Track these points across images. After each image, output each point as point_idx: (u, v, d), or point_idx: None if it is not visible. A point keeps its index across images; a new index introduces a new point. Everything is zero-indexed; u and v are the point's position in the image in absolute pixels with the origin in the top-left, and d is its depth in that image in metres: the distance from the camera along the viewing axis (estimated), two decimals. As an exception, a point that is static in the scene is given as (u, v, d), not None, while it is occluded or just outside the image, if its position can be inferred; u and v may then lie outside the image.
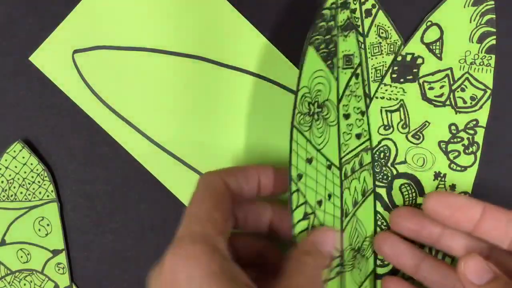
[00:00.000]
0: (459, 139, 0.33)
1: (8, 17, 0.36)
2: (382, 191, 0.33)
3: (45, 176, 0.36)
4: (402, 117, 0.33)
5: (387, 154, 0.33)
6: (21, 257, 0.36)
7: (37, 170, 0.36)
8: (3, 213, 0.36)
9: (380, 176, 0.34)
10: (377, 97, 0.33)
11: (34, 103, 0.37)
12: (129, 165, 0.36)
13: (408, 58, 0.33)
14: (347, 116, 0.32)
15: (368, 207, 0.33)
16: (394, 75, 0.33)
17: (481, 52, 0.33)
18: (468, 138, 0.33)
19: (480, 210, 0.28)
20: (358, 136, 0.33)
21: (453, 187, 0.33)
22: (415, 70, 0.33)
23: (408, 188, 0.33)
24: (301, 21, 0.35)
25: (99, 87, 0.36)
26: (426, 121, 0.33)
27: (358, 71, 0.33)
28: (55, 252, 0.36)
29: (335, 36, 0.31)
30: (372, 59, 0.34)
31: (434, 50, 0.33)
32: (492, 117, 0.33)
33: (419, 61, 0.33)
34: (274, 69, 0.35)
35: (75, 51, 0.36)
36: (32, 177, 0.36)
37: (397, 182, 0.33)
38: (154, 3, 0.36)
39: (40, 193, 0.36)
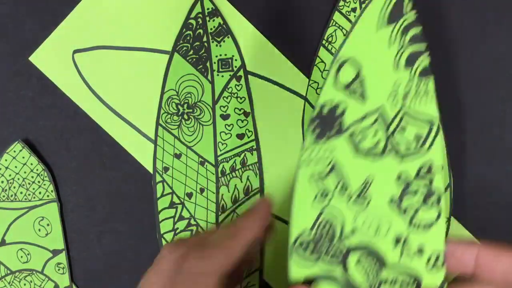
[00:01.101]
0: (413, 191, 0.27)
1: (8, 17, 0.36)
2: (338, 272, 0.27)
3: (45, 176, 0.36)
4: (338, 180, 0.27)
5: (331, 227, 0.27)
6: (21, 257, 0.36)
7: (37, 170, 0.36)
8: (3, 213, 0.36)
9: (330, 255, 0.27)
10: (302, 164, 0.28)
11: (34, 103, 0.37)
12: (129, 165, 0.36)
13: (325, 110, 0.27)
14: (225, 117, 0.34)
15: None
16: (316, 133, 0.27)
17: (414, 78, 0.26)
18: (424, 187, 0.27)
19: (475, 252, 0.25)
20: (240, 136, 0.35)
21: (420, 250, 0.26)
22: (338, 122, 0.27)
23: (367, 261, 0.27)
24: (301, 21, 0.35)
25: (99, 87, 0.36)
26: (368, 179, 0.27)
27: (240, 73, 0.35)
28: (55, 252, 0.36)
29: (206, 42, 0.34)
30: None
31: (354, 92, 0.27)
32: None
33: (340, 109, 0.27)
34: (274, 69, 0.36)
35: (75, 51, 0.36)
36: (32, 177, 0.36)
37: (352, 258, 0.27)
38: (154, 4, 0.36)
39: (40, 193, 0.36)
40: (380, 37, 0.27)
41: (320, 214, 0.27)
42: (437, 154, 0.27)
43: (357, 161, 0.27)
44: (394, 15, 0.26)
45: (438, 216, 0.26)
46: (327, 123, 0.27)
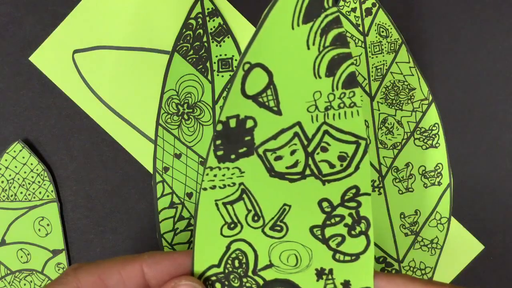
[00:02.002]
0: (337, 219, 0.23)
1: (8, 17, 0.36)
2: None
3: (45, 176, 0.36)
4: (249, 206, 0.24)
5: (244, 261, 0.24)
6: (21, 257, 0.36)
7: (37, 170, 0.36)
8: (3, 213, 0.36)
9: None
10: (205, 189, 0.23)
11: (34, 103, 0.37)
12: (129, 165, 0.36)
13: (232, 123, 0.23)
14: None
15: None
16: (220, 152, 0.23)
17: (338, 89, 0.22)
18: (350, 214, 0.23)
19: None
20: None
21: (346, 284, 0.23)
22: (247, 138, 0.23)
23: None
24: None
25: (99, 87, 0.36)
26: (285, 204, 0.23)
27: None
28: (55, 252, 0.36)
29: (206, 42, 0.33)
30: (372, 58, 0.34)
31: (266, 104, 0.22)
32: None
33: (250, 123, 0.23)
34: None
35: (75, 51, 0.36)
36: (32, 177, 0.36)
37: None
38: (154, 3, 0.36)
39: (40, 193, 0.36)
40: (295, 38, 0.21)
41: (229, 246, 0.24)
42: (365, 177, 0.22)
43: (272, 184, 0.23)
44: (312, 11, 0.21)
45: (367, 247, 0.23)
46: (234, 141, 0.23)
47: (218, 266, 0.24)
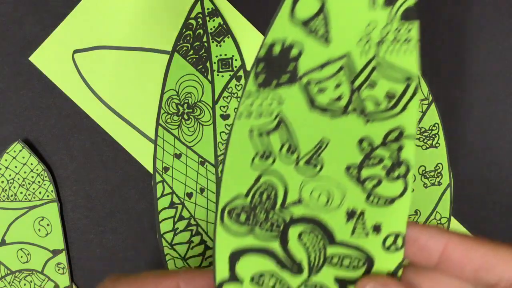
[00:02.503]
0: (376, 160, 0.22)
1: (8, 17, 0.36)
2: (275, 246, 0.23)
3: (45, 176, 0.36)
4: (285, 138, 0.22)
5: (273, 194, 0.23)
6: (21, 257, 0.36)
7: (37, 170, 0.36)
8: (3, 213, 0.36)
9: (268, 226, 0.23)
10: (240, 117, 0.22)
11: (34, 103, 0.37)
12: (129, 165, 0.36)
13: (277, 49, 0.21)
14: (225, 117, 0.34)
15: None
16: (261, 78, 0.22)
17: (394, 21, 0.21)
18: (390, 156, 0.22)
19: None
20: None
21: (377, 228, 0.22)
22: (291, 66, 0.22)
23: (312, 235, 0.23)
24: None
25: (99, 87, 0.36)
26: (323, 140, 0.22)
27: (240, 73, 0.34)
28: (55, 252, 0.36)
29: (206, 42, 0.33)
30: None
31: (315, 31, 0.21)
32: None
33: (295, 50, 0.22)
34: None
35: (75, 51, 0.36)
36: (32, 177, 0.36)
37: (294, 231, 0.23)
38: (154, 3, 0.36)
39: (40, 193, 0.36)
40: None
41: (259, 178, 0.22)
42: (411, 119, 0.21)
43: (311, 117, 0.22)
44: None
45: (403, 192, 0.22)
46: (277, 67, 0.21)
47: (245, 196, 0.23)
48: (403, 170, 0.22)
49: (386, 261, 0.22)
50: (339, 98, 0.22)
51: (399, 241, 0.22)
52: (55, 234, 0.36)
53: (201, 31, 0.35)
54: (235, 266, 0.23)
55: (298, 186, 0.22)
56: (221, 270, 0.23)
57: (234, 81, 0.35)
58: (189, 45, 0.35)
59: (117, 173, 0.36)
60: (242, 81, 0.35)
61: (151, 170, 0.36)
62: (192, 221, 0.35)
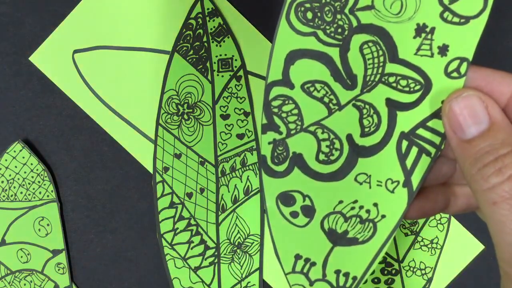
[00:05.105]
0: None
1: (8, 17, 0.36)
2: (334, 53, 0.22)
3: (45, 176, 0.36)
4: None
5: None
6: (21, 257, 0.36)
7: (37, 170, 0.36)
8: (3, 213, 0.36)
9: (332, 29, 0.22)
10: None
11: (34, 103, 0.37)
12: (129, 165, 0.36)
13: None
14: (225, 117, 0.34)
15: (253, 206, 0.35)
16: None
17: None
18: None
19: None
20: (240, 136, 0.34)
21: (443, 49, 0.21)
22: None
23: (374, 48, 0.22)
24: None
25: (99, 87, 0.36)
26: None
27: (240, 73, 0.34)
28: (55, 252, 0.36)
29: (206, 42, 0.33)
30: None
31: None
32: None
33: None
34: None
35: (75, 51, 0.36)
36: (32, 177, 0.36)
37: (357, 39, 0.22)
38: (154, 3, 0.36)
39: (40, 193, 0.36)
40: None
41: None
42: None
43: None
44: None
45: (481, 12, 0.20)
46: None
47: None
48: None
49: (444, 88, 0.21)
50: None
51: (463, 68, 0.21)
52: (55, 234, 0.36)
53: (201, 31, 0.35)
54: (289, 69, 0.22)
55: None
56: (275, 73, 0.22)
57: (234, 81, 0.35)
58: (189, 45, 0.35)
59: (117, 173, 0.36)
60: (242, 81, 0.35)
61: (151, 170, 0.36)
62: (192, 221, 0.35)
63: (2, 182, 0.36)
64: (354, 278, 0.23)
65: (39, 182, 0.36)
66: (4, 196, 0.36)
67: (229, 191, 0.35)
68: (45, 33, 0.36)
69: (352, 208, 0.22)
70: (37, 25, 0.36)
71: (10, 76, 0.37)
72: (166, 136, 0.35)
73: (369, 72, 0.22)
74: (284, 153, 0.23)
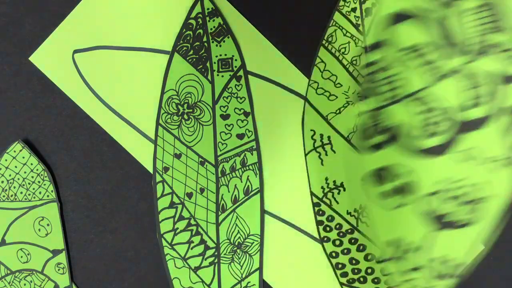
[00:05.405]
0: None
1: (8, 17, 0.36)
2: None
3: (45, 176, 0.36)
4: None
5: None
6: (21, 257, 0.36)
7: (37, 170, 0.36)
8: (3, 213, 0.36)
9: None
10: None
11: (34, 103, 0.37)
12: (129, 165, 0.36)
13: None
14: (225, 117, 0.34)
15: (253, 206, 0.35)
16: None
17: None
18: None
19: None
20: (240, 136, 0.34)
21: None
22: None
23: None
24: (301, 21, 0.35)
25: (99, 87, 0.36)
26: None
27: (240, 73, 0.34)
28: (55, 252, 0.36)
29: (206, 42, 0.33)
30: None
31: None
32: None
33: None
34: (274, 69, 0.36)
35: (75, 51, 0.36)
36: (32, 177, 0.36)
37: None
38: (154, 4, 0.36)
39: (40, 193, 0.36)
40: None
41: None
42: None
43: None
44: None
45: None
46: None
47: None
48: None
49: None
50: None
51: None
52: (55, 234, 0.36)
53: (201, 31, 0.35)
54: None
55: None
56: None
57: (234, 81, 0.35)
58: (189, 45, 0.35)
59: (117, 173, 0.36)
60: (242, 81, 0.35)
61: (151, 170, 0.36)
62: (192, 221, 0.35)
63: (2, 182, 0.36)
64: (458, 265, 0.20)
65: (39, 182, 0.36)
66: (4, 196, 0.36)
67: (229, 191, 0.35)
68: (45, 33, 0.36)
69: (457, 188, 0.20)
70: (37, 25, 0.36)
71: (10, 76, 0.37)
72: (166, 136, 0.35)
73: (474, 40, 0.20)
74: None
